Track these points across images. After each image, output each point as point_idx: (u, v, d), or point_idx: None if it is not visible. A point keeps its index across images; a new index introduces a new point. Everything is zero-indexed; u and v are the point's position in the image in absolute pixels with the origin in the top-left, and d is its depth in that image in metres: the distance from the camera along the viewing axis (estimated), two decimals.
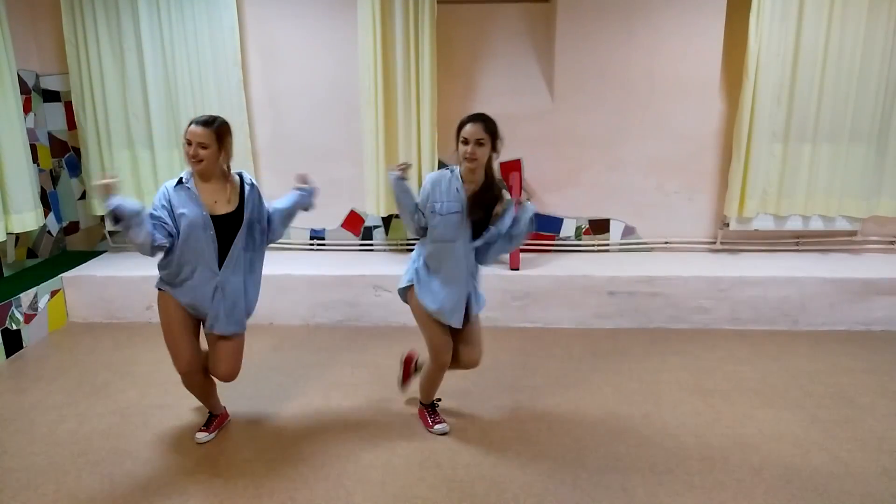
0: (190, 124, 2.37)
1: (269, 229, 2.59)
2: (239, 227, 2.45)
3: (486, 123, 2.35)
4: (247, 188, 2.50)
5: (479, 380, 3.17)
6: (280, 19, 4.13)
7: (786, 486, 2.31)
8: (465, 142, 2.35)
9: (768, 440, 2.61)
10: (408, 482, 2.34)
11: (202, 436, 2.64)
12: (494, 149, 2.40)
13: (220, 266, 2.44)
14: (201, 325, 2.58)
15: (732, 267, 4.00)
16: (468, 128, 2.34)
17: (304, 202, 2.69)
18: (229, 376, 2.57)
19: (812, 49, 3.87)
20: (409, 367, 2.95)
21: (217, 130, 2.38)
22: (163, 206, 2.37)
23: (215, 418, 2.73)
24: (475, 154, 2.34)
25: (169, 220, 2.37)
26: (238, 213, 2.45)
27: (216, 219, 2.41)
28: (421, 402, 2.77)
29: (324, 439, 2.64)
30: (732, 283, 3.83)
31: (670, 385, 3.12)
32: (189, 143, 2.35)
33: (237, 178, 2.52)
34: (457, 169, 2.46)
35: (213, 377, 2.62)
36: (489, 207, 2.46)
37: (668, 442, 2.60)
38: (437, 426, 2.68)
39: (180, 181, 2.41)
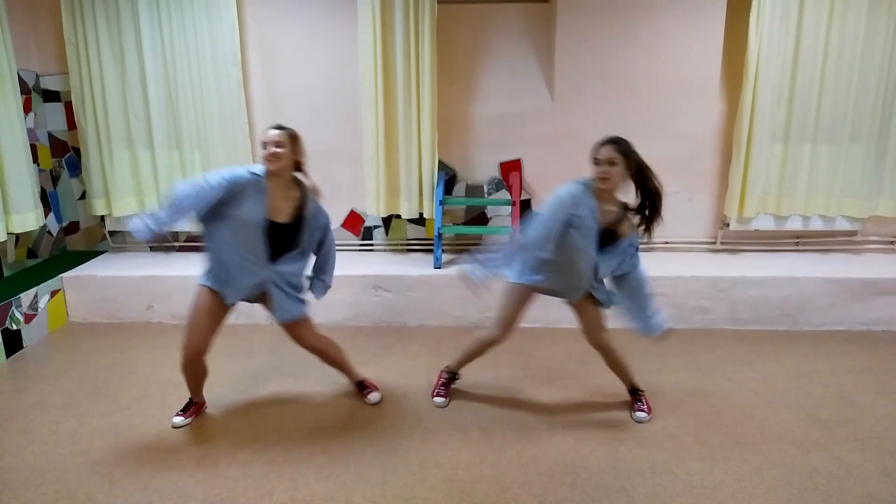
0: (268, 129, 2.51)
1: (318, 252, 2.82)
2: (294, 236, 2.62)
3: (619, 145, 2.45)
4: (310, 204, 2.63)
5: (479, 379, 3.18)
6: (280, 19, 4.14)
7: (786, 486, 2.31)
8: (597, 162, 2.45)
9: (768, 440, 2.61)
10: (408, 482, 2.34)
11: (179, 420, 2.76)
12: (629, 168, 2.48)
13: (271, 260, 2.58)
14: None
15: (732, 267, 4.00)
16: (602, 150, 2.45)
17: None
18: (313, 348, 2.83)
19: (812, 49, 3.87)
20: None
21: (291, 135, 2.53)
22: (222, 185, 2.43)
23: (194, 405, 2.82)
24: (608, 174, 2.43)
25: (209, 197, 2.43)
26: (296, 224, 2.61)
27: (273, 225, 2.53)
28: (448, 367, 3.01)
29: (324, 439, 2.64)
30: (732, 283, 3.83)
31: (670, 385, 3.12)
32: (265, 145, 2.48)
33: (302, 192, 2.63)
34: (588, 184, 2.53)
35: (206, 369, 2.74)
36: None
37: (668, 442, 2.60)
38: (436, 398, 2.92)
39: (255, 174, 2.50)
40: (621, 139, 2.47)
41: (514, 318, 2.76)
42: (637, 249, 2.67)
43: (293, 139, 2.53)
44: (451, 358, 3.33)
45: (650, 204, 2.53)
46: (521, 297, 2.73)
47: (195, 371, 2.68)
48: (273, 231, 2.53)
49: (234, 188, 2.44)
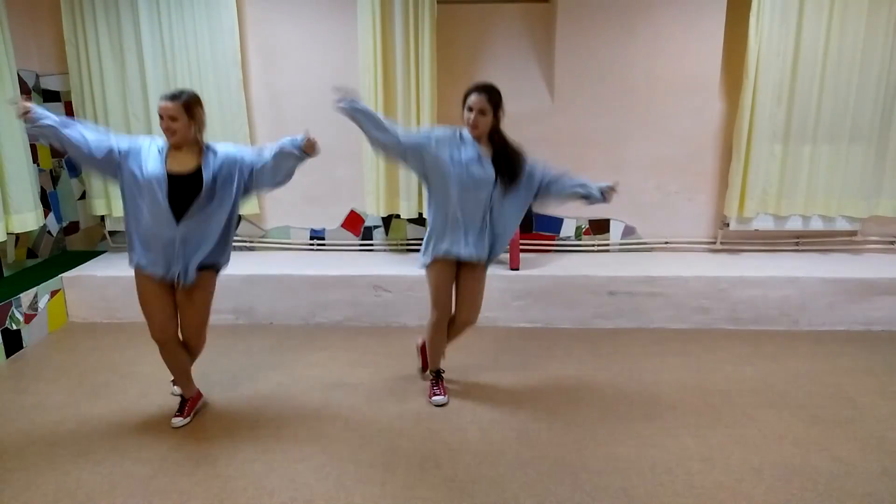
0: (161, 100, 2.47)
1: (250, 179, 2.63)
2: (200, 187, 2.50)
3: (490, 94, 2.53)
4: (208, 153, 2.56)
5: (478, 379, 3.18)
6: (280, 19, 4.14)
7: (786, 486, 2.31)
8: (470, 109, 2.53)
9: (768, 440, 2.61)
10: (408, 482, 2.34)
11: (178, 420, 2.74)
12: (496, 117, 2.59)
13: (177, 221, 2.49)
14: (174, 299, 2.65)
15: (732, 267, 4.00)
16: (472, 97, 2.53)
17: (289, 148, 2.58)
18: (194, 331, 2.69)
19: (812, 49, 3.87)
20: (425, 354, 3.07)
21: (185, 103, 2.47)
22: (129, 143, 2.51)
23: (188, 402, 2.81)
24: (476, 122, 2.53)
25: (115, 147, 2.49)
26: (197, 175, 2.51)
27: (172, 178, 2.47)
28: (426, 371, 3.06)
29: (324, 439, 2.64)
30: (732, 283, 3.83)
31: (670, 385, 3.12)
32: (161, 117, 2.46)
33: (205, 148, 2.59)
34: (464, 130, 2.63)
35: (185, 351, 2.73)
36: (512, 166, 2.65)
37: (668, 442, 2.60)
38: (434, 398, 2.92)
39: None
40: (493, 87, 2.57)
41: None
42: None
43: (188, 108, 2.47)
44: (451, 358, 3.33)
45: (504, 153, 2.67)
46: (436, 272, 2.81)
47: (174, 359, 2.69)
48: (175, 184, 2.47)
49: (133, 145, 2.50)
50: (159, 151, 2.51)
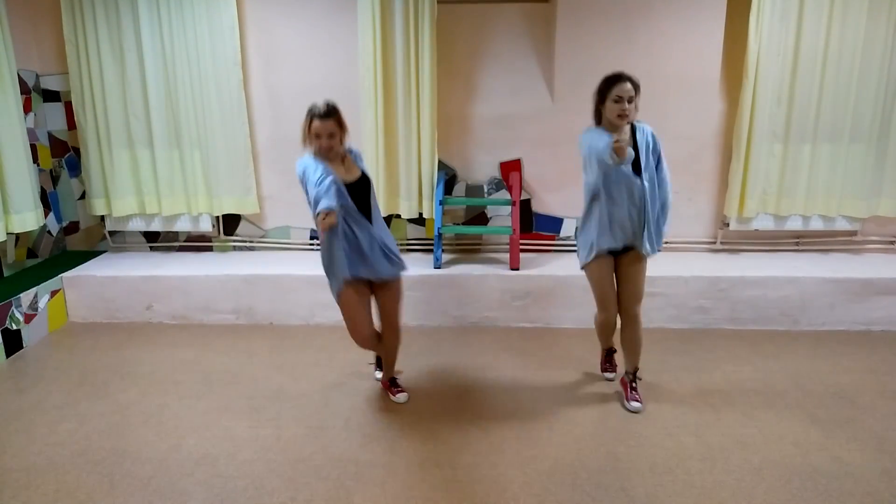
0: (311, 119, 2.49)
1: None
2: (368, 190, 2.65)
3: (633, 81, 2.55)
4: (360, 161, 2.69)
5: (479, 379, 3.18)
6: (280, 19, 4.14)
7: (786, 486, 2.31)
8: (618, 100, 2.53)
9: (768, 440, 2.61)
10: (408, 482, 2.34)
11: (402, 396, 2.96)
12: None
13: (370, 222, 2.65)
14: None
15: (732, 267, 4.00)
16: (618, 87, 2.52)
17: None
18: (395, 327, 2.87)
19: (812, 49, 3.87)
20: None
21: (338, 118, 2.52)
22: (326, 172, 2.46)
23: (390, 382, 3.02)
24: (628, 111, 2.54)
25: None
26: (364, 179, 2.64)
27: (348, 186, 2.57)
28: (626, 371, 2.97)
29: (324, 439, 2.64)
30: (732, 283, 3.83)
31: (670, 385, 3.12)
32: (318, 136, 2.48)
33: (348, 153, 2.69)
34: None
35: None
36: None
37: (668, 442, 2.60)
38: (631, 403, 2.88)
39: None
40: (630, 75, 2.56)
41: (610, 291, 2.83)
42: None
43: (340, 121, 2.53)
44: (451, 358, 3.33)
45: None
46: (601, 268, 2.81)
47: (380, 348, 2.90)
48: (351, 191, 2.57)
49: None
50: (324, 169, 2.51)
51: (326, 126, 2.48)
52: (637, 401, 2.86)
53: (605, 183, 2.66)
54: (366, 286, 2.74)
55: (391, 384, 3.02)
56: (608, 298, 2.81)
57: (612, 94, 2.52)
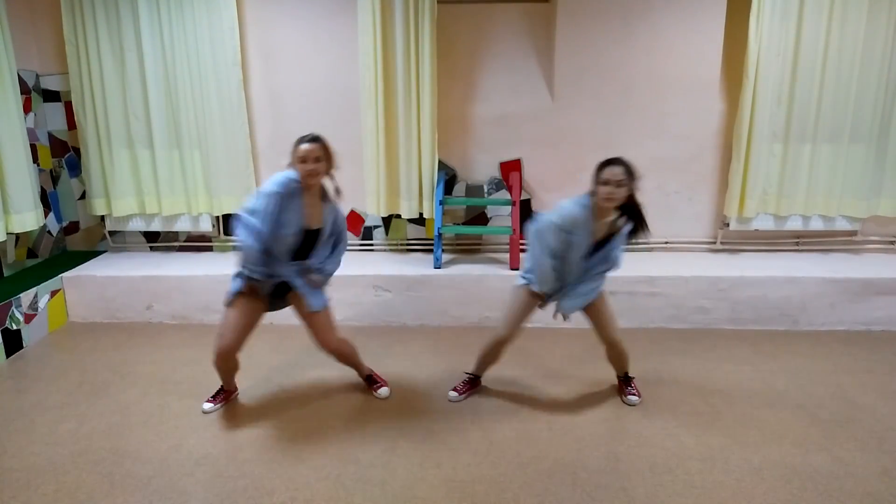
0: (298, 144, 2.54)
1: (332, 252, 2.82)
2: (316, 239, 2.70)
3: (627, 167, 2.51)
4: (332, 214, 2.71)
5: None
6: (280, 20, 4.14)
7: (786, 486, 2.31)
8: (606, 182, 2.50)
9: (768, 440, 2.61)
10: (408, 482, 2.34)
11: (208, 406, 2.87)
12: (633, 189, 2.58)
13: (299, 258, 2.70)
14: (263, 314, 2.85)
15: (732, 267, 4.00)
16: (608, 170, 2.50)
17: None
18: (329, 346, 2.85)
19: (812, 49, 3.87)
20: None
21: (325, 146, 2.58)
22: (270, 213, 2.52)
23: (224, 392, 2.94)
24: (614, 196, 2.51)
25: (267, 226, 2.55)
26: (317, 231, 2.69)
27: (308, 231, 2.64)
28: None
29: (324, 439, 2.64)
30: (732, 283, 3.83)
31: (670, 385, 3.12)
32: (304, 160, 2.51)
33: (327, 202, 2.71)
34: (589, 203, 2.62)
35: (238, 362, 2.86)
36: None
37: (668, 442, 2.60)
38: (451, 392, 2.99)
39: (292, 182, 2.55)
40: (626, 160, 2.54)
41: (519, 319, 2.88)
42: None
43: (326, 150, 2.58)
44: (451, 358, 3.33)
45: (636, 214, 2.65)
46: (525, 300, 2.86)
47: (224, 366, 2.80)
48: (305, 236, 2.65)
49: (284, 198, 2.52)
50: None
51: (312, 150, 2.53)
52: (634, 394, 2.93)
53: (560, 250, 2.70)
54: (264, 301, 2.78)
55: (369, 383, 3.05)
56: (518, 323, 2.89)
57: (601, 176, 2.52)
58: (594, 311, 2.85)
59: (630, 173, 2.52)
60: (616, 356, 2.92)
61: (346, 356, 2.95)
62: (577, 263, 2.70)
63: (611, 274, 2.83)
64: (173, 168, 4.25)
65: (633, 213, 2.64)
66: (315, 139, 2.56)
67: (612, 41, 4.05)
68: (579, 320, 3.91)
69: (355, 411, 2.88)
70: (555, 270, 2.72)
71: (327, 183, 2.69)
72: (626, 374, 3.00)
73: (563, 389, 3.08)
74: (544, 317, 3.92)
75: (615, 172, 2.49)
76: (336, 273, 2.92)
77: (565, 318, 2.86)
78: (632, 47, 4.05)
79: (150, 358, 3.49)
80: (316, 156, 2.53)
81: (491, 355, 2.93)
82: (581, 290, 2.78)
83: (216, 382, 2.94)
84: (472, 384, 3.04)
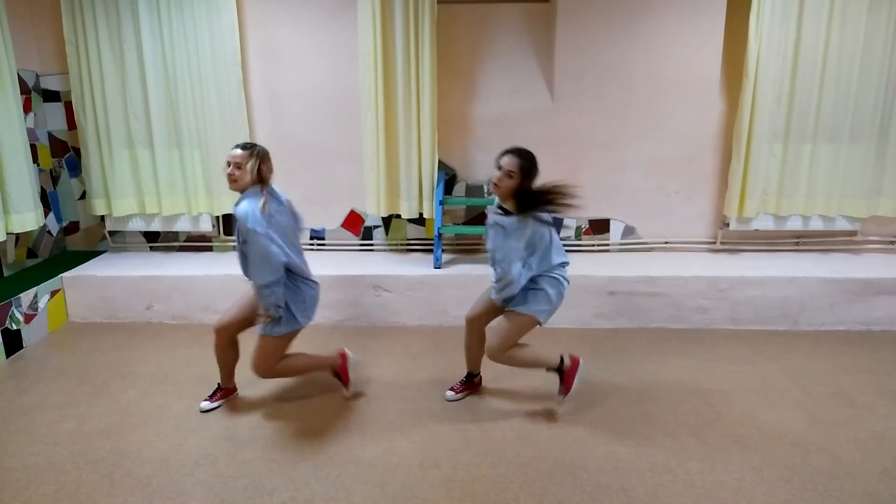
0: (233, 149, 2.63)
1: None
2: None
3: (522, 159, 2.52)
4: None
5: None
6: (280, 19, 4.14)
7: (786, 485, 2.31)
8: (499, 168, 2.53)
9: (768, 440, 2.61)
10: (408, 482, 2.34)
11: (205, 404, 2.88)
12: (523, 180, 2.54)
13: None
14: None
15: (732, 267, 4.00)
16: (503, 158, 2.54)
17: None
18: (255, 369, 2.75)
19: (812, 49, 3.87)
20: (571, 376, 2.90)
21: (252, 153, 2.61)
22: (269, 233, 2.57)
23: (221, 390, 2.94)
24: (500, 182, 2.52)
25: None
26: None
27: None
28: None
29: (324, 439, 2.64)
30: (732, 283, 3.83)
31: (670, 385, 3.12)
32: (228, 164, 2.59)
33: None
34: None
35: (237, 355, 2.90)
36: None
37: (668, 442, 2.60)
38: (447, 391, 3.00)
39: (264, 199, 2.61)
40: (528, 153, 2.56)
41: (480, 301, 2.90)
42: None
43: (251, 156, 2.60)
44: (453, 357, 3.32)
45: (530, 202, 2.54)
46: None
47: (220, 348, 2.82)
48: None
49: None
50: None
51: (234, 157, 2.58)
52: (452, 391, 2.98)
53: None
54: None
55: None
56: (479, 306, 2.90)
57: (497, 161, 2.57)
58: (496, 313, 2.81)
59: (524, 168, 2.51)
60: (475, 354, 2.94)
61: (292, 373, 2.90)
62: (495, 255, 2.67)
63: (511, 291, 2.61)
64: (173, 168, 4.25)
65: (526, 202, 2.53)
66: (243, 147, 2.61)
67: (612, 41, 4.05)
68: (581, 320, 3.93)
69: (355, 411, 2.88)
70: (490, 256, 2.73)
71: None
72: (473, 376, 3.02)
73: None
74: None
75: (506, 161, 2.51)
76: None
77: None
78: (632, 47, 4.05)
79: (150, 358, 3.49)
80: (237, 162, 2.57)
81: (467, 341, 2.94)
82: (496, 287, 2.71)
83: (215, 382, 2.94)
84: (469, 384, 3.03)
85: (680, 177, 4.29)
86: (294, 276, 2.71)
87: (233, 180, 2.59)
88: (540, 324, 2.66)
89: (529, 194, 2.53)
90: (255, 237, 2.50)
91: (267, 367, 2.71)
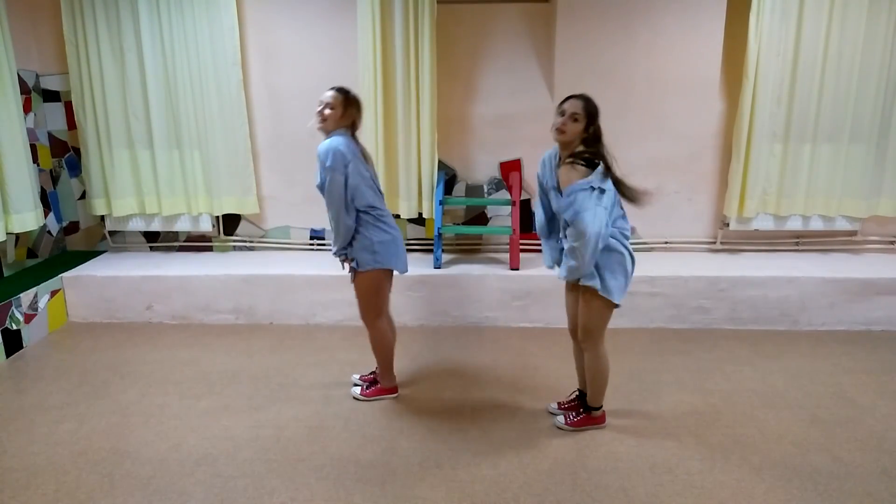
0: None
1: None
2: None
3: (587, 102, 2.45)
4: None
5: (479, 379, 3.17)
6: (280, 19, 4.14)
7: (786, 485, 2.31)
8: (562, 113, 2.44)
9: (768, 440, 2.61)
10: (408, 482, 2.34)
11: (356, 390, 3.01)
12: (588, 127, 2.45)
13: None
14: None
15: (732, 267, 4.00)
16: (567, 102, 2.44)
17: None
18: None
19: (812, 49, 3.87)
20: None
21: (346, 97, 2.67)
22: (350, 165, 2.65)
23: (376, 385, 3.01)
24: (564, 126, 2.42)
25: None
26: None
27: None
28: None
29: (324, 439, 2.64)
30: (732, 283, 3.83)
31: (670, 385, 3.12)
32: (320, 103, 2.66)
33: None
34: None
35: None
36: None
37: (668, 442, 2.60)
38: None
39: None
40: (589, 97, 2.48)
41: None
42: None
43: (346, 103, 2.67)
44: (451, 358, 3.32)
45: (595, 158, 2.47)
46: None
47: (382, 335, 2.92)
48: None
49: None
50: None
51: (327, 96, 2.66)
52: (562, 416, 2.76)
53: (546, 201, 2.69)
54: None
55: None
56: None
57: (559, 107, 2.48)
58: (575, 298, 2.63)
59: (589, 112, 2.43)
60: (582, 364, 2.71)
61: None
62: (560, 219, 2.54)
63: (578, 246, 2.37)
64: (173, 168, 4.25)
65: (595, 149, 2.44)
66: (338, 89, 2.68)
67: (612, 41, 4.05)
68: None
69: (355, 411, 2.88)
70: (548, 224, 2.70)
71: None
72: (584, 394, 2.73)
73: (564, 390, 3.08)
74: (544, 317, 3.94)
75: (570, 104, 2.42)
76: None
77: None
78: (632, 47, 4.05)
79: (150, 358, 3.49)
80: (329, 103, 2.64)
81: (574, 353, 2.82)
82: (566, 260, 2.52)
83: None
84: (578, 402, 2.82)
85: (680, 177, 4.29)
86: (367, 221, 2.74)
87: (322, 119, 2.64)
88: (617, 305, 2.51)
89: (598, 139, 2.47)
90: (331, 174, 2.60)
91: (365, 308, 2.84)
